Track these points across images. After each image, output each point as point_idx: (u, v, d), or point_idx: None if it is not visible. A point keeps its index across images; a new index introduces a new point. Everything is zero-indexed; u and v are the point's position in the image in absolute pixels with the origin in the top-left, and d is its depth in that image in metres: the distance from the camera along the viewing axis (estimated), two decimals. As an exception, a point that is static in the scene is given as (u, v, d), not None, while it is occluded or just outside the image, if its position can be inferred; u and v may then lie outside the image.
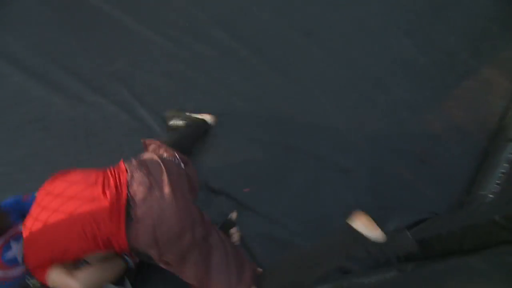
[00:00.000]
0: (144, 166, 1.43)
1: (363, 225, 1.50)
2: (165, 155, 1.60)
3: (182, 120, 2.13)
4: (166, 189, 1.36)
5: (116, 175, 1.40)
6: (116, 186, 1.35)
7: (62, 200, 1.34)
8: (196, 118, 2.15)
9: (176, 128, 2.13)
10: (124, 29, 2.51)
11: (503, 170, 2.01)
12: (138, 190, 1.34)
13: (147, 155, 1.56)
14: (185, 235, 1.37)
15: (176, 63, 2.41)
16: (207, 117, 2.16)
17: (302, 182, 2.11)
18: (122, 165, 1.45)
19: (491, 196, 1.94)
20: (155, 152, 1.62)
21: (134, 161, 1.47)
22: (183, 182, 1.51)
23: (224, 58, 2.46)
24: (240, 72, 2.41)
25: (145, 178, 1.37)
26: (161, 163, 1.46)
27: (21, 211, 1.53)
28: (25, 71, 2.34)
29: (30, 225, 1.35)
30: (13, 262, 1.50)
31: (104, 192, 1.33)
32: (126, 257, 1.54)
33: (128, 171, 1.41)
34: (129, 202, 1.32)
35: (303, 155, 2.18)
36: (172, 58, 2.43)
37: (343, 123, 2.29)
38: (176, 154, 1.63)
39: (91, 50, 2.42)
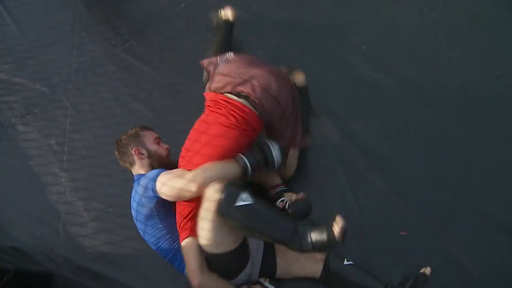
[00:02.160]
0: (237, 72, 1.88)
1: None
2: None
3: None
4: (260, 72, 1.86)
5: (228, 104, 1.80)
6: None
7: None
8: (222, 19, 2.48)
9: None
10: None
11: None
12: (247, 90, 1.79)
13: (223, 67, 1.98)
14: (291, 91, 1.93)
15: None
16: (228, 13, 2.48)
17: (461, 235, 2.01)
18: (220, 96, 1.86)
19: None
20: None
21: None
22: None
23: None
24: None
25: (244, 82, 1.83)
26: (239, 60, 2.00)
27: None
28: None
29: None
30: None
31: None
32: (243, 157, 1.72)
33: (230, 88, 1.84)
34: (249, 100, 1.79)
35: (467, 206, 2.06)
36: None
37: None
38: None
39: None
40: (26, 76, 2.71)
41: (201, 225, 1.59)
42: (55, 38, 2.82)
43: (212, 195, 1.50)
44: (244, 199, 1.48)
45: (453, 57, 2.48)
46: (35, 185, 2.40)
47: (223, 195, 1.48)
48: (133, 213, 1.88)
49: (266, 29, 2.67)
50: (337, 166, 2.21)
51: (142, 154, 1.92)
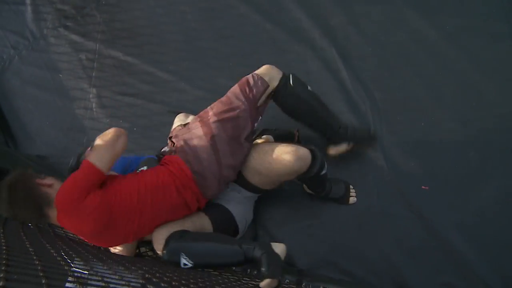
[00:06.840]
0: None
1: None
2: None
3: None
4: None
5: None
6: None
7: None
8: None
9: None
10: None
11: None
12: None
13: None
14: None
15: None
16: None
17: (496, 195, 1.87)
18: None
19: None
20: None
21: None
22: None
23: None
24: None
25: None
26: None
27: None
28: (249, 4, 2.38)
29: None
30: None
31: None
32: None
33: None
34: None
35: (495, 168, 1.91)
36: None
37: None
38: None
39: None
40: (61, -12, 2.64)
41: None
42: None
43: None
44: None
45: None
46: (64, 98, 2.42)
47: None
48: None
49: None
50: (367, 110, 2.09)
51: None
